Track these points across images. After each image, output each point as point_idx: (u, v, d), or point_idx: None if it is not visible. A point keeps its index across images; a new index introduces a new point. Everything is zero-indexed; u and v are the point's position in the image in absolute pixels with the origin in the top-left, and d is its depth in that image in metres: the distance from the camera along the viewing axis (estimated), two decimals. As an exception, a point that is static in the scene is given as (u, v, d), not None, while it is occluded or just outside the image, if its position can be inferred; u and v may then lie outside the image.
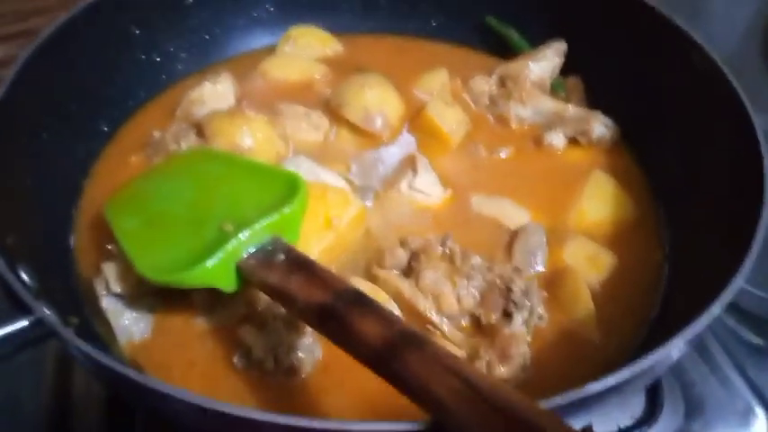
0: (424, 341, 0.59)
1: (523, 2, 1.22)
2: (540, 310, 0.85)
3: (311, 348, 0.80)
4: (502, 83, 1.16)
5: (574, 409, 0.62)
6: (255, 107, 1.08)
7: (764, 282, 0.95)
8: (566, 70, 1.19)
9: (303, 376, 0.80)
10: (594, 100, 1.17)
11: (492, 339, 0.82)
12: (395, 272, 0.87)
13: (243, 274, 0.76)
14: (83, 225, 0.96)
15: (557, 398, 0.59)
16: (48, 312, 0.66)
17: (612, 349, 0.85)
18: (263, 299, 0.82)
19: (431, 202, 1.00)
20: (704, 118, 1.00)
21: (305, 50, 1.23)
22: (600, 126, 1.09)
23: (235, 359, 0.80)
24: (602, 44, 1.15)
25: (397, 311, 0.85)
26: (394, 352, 0.59)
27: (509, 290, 0.84)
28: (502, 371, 0.80)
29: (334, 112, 1.10)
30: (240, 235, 0.75)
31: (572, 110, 1.11)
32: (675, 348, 0.67)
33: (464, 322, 0.85)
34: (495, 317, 0.83)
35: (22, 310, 0.66)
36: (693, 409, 0.99)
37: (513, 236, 0.96)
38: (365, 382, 0.66)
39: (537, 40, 1.20)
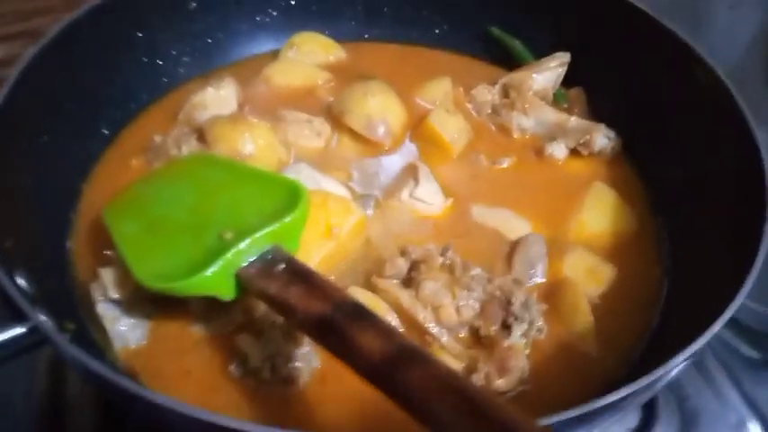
0: (425, 356, 0.59)
1: (527, 12, 1.22)
2: (540, 322, 0.85)
3: (308, 358, 0.80)
4: (505, 92, 1.16)
5: (572, 425, 0.61)
6: (258, 113, 1.08)
7: (761, 296, 0.95)
8: (568, 81, 1.19)
9: (300, 386, 0.79)
10: (596, 111, 1.17)
11: (491, 351, 0.82)
12: (394, 281, 0.87)
13: (242, 282, 0.75)
14: (81, 229, 0.96)
15: (556, 415, 0.59)
16: (44, 319, 0.66)
17: (611, 362, 0.85)
18: (261, 307, 0.82)
19: (432, 211, 1.00)
20: (706, 131, 1.00)
21: (308, 57, 1.23)
22: (602, 138, 1.09)
23: (231, 368, 0.79)
24: (604, 56, 1.15)
25: (395, 321, 0.84)
26: (393, 367, 0.58)
27: (509, 302, 0.84)
28: (500, 383, 0.79)
29: (336, 119, 1.10)
30: (240, 244, 0.75)
31: (574, 121, 1.11)
32: (676, 365, 0.67)
33: (463, 333, 0.85)
34: (494, 329, 0.83)
35: (18, 317, 0.66)
36: (688, 421, 0.99)
37: (514, 246, 0.96)
38: (363, 392, 0.65)
39: (540, 50, 1.21)
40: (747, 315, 1.06)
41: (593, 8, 1.15)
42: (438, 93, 1.17)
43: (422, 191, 1.00)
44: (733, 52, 1.22)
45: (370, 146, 1.08)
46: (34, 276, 0.77)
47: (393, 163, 1.07)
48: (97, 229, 0.93)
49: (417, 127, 1.11)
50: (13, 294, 0.67)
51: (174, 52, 1.18)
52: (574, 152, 1.10)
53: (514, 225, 0.99)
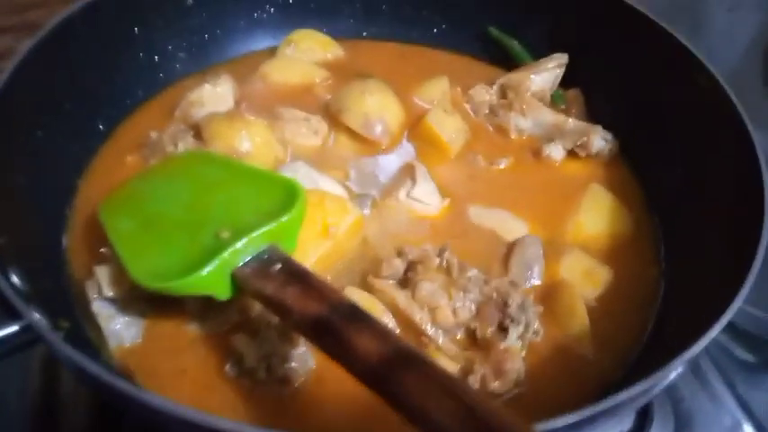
0: (421, 359, 0.59)
1: (526, 13, 1.22)
2: (536, 324, 0.85)
3: (304, 358, 0.79)
4: (503, 93, 1.16)
5: (569, 430, 0.61)
6: (255, 110, 1.07)
7: (757, 299, 0.95)
8: (566, 82, 1.19)
9: (296, 386, 0.79)
10: (594, 113, 1.17)
11: (487, 353, 0.82)
12: (391, 282, 0.86)
13: (238, 282, 0.75)
14: (76, 225, 0.95)
15: (552, 421, 0.59)
16: (38, 317, 0.65)
17: (607, 365, 0.85)
18: (257, 306, 0.82)
19: (429, 211, 1.00)
20: (704, 134, 1.00)
21: (306, 54, 1.22)
22: (599, 139, 1.09)
23: (227, 367, 0.79)
24: (603, 57, 1.15)
25: (391, 322, 0.84)
26: (390, 370, 0.58)
27: (505, 304, 0.84)
28: (496, 385, 0.79)
29: (333, 117, 1.10)
30: (237, 243, 0.74)
31: (571, 122, 1.11)
32: (673, 370, 0.67)
33: (459, 335, 0.85)
34: (490, 330, 0.83)
35: (12, 314, 0.65)
36: (683, 424, 0.99)
37: (510, 248, 0.96)
38: (358, 393, 0.65)
39: (538, 51, 1.20)
40: (743, 318, 1.06)
41: (592, 9, 1.15)
42: (436, 92, 1.16)
43: (419, 191, 1.00)
44: (731, 54, 1.23)
45: (368, 145, 1.08)
46: (29, 274, 0.77)
47: (390, 162, 1.06)
48: (93, 225, 0.92)
49: (415, 126, 1.11)
50: (7, 292, 0.66)
51: (170, 48, 1.17)
52: (571, 153, 1.09)
53: (511, 226, 0.99)
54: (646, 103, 1.10)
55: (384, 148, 1.08)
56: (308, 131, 1.08)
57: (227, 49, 1.23)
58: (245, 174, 0.88)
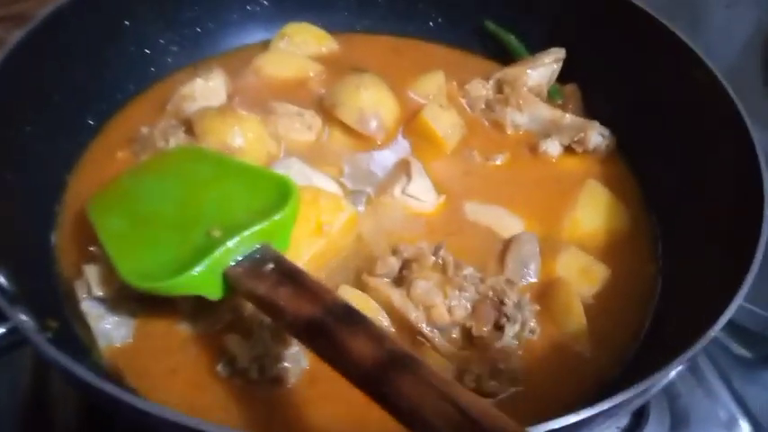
0: (417, 363, 0.58)
1: (523, 7, 1.20)
2: (532, 323, 0.84)
3: (297, 358, 0.78)
4: (499, 88, 1.15)
5: (567, 431, 0.60)
6: (247, 105, 1.06)
7: (755, 295, 0.95)
8: (563, 77, 1.18)
9: (288, 386, 0.78)
10: (591, 108, 1.16)
11: (482, 352, 0.81)
12: (386, 280, 0.85)
13: (229, 281, 0.73)
14: (66, 222, 0.94)
15: (550, 422, 0.58)
16: (25, 319, 0.64)
17: (604, 362, 0.85)
18: (249, 306, 0.80)
19: (424, 208, 0.99)
20: (702, 130, 1.00)
21: (300, 48, 1.21)
22: (596, 135, 1.08)
23: (218, 367, 0.78)
24: (600, 52, 1.14)
25: (386, 321, 0.83)
26: (384, 373, 0.57)
27: (501, 302, 0.83)
28: (492, 384, 0.79)
29: (327, 112, 1.08)
30: (228, 242, 0.73)
31: (568, 118, 1.10)
32: (672, 370, 0.66)
33: (455, 334, 0.84)
34: (486, 329, 0.82)
35: (-2, 316, 0.64)
36: (679, 420, 0.99)
37: (506, 245, 0.95)
38: (351, 394, 0.64)
39: (535, 45, 1.19)
40: (740, 315, 1.05)
41: (590, 4, 1.14)
42: (431, 87, 1.15)
43: (414, 187, 0.98)
44: (730, 51, 1.22)
45: (362, 140, 1.07)
46: (16, 272, 0.75)
47: (385, 158, 1.05)
48: (82, 222, 0.90)
49: (410, 122, 1.10)
50: (-6, 294, 0.65)
51: (162, 41, 1.15)
52: (568, 149, 1.08)
53: (507, 223, 0.98)
54: (643, 99, 1.09)
55: (379, 143, 1.07)
56: (302, 126, 1.07)
57: (220, 42, 1.22)
58: (238, 170, 0.87)
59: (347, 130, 1.07)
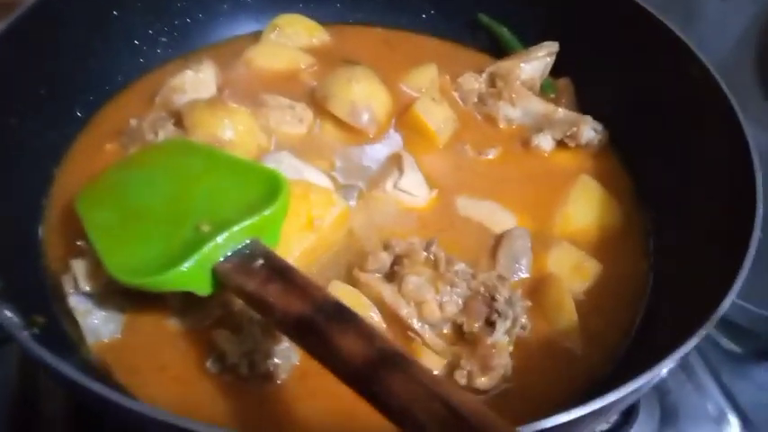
0: (407, 361, 0.57)
1: (516, 0, 1.19)
2: (524, 319, 0.83)
3: (287, 354, 0.78)
4: (492, 81, 1.14)
5: (558, 430, 0.60)
6: (238, 97, 1.05)
7: (744, 291, 0.95)
8: (556, 71, 1.17)
9: (279, 382, 0.77)
10: (584, 102, 1.15)
11: (474, 348, 0.81)
12: (377, 276, 0.85)
13: (219, 277, 0.73)
14: (53, 215, 0.93)
15: (542, 421, 0.58)
16: (9, 315, 0.63)
17: (595, 360, 0.84)
18: (239, 301, 0.79)
19: (416, 203, 0.98)
20: (695, 126, 0.99)
21: (291, 39, 1.19)
22: (589, 130, 1.07)
23: (208, 363, 0.77)
24: (594, 46, 1.13)
25: (377, 316, 0.83)
26: (374, 371, 0.57)
27: (493, 298, 0.82)
28: (482, 381, 0.78)
29: (319, 104, 1.07)
30: (218, 237, 0.72)
31: (561, 112, 1.10)
32: (664, 368, 0.66)
33: (446, 330, 0.83)
34: (477, 325, 0.82)
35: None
36: (669, 415, 0.99)
37: (498, 240, 0.94)
38: (342, 389, 0.64)
39: (528, 38, 1.19)
40: (730, 310, 1.06)
41: (584, -3, 1.13)
42: (424, 80, 1.14)
43: (406, 181, 0.98)
44: (724, 45, 1.21)
45: (354, 134, 1.06)
46: (2, 267, 0.75)
47: (377, 152, 1.04)
48: (70, 215, 0.89)
49: (402, 115, 1.09)
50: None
51: (151, 32, 1.14)
52: (560, 144, 1.08)
53: (499, 218, 0.98)
54: (636, 94, 1.09)
55: (371, 137, 1.06)
56: (293, 119, 1.06)
57: (210, 33, 1.20)
58: (228, 164, 0.86)
59: (339, 123, 1.06)
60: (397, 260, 0.85)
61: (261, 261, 0.72)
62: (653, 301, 0.91)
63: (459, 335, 0.83)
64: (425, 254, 0.85)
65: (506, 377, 0.79)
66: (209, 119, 0.96)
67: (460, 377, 0.78)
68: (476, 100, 1.14)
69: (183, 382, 0.77)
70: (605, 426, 0.94)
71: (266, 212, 0.76)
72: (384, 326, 0.83)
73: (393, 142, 1.06)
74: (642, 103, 1.08)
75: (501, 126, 1.11)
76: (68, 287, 0.79)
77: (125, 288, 0.76)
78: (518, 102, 1.11)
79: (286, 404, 0.76)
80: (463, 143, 1.07)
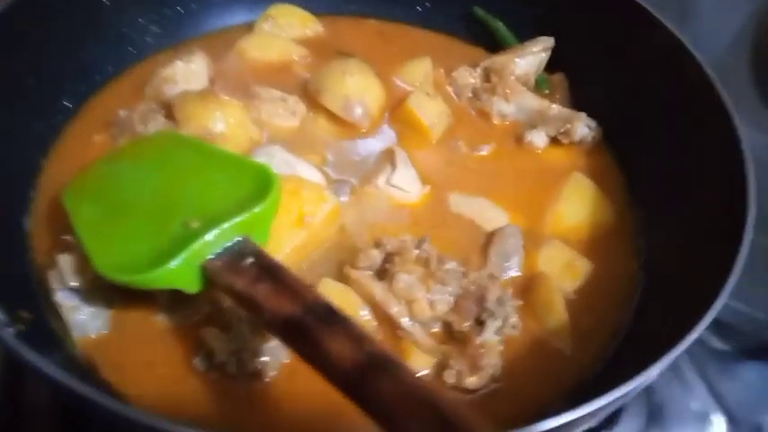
0: (396, 365, 0.57)
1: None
2: (514, 319, 0.83)
3: (276, 352, 0.77)
4: (486, 76, 1.13)
5: (546, 434, 0.60)
6: (230, 89, 1.04)
7: (739, 292, 0.95)
8: (551, 67, 1.16)
9: (267, 380, 0.77)
10: (578, 98, 1.14)
11: (463, 347, 0.80)
12: (368, 273, 0.84)
13: (207, 275, 0.72)
14: (40, 207, 0.91)
15: (531, 426, 0.57)
16: (-8, 312, 0.62)
17: (585, 360, 0.84)
18: (228, 298, 0.79)
19: (408, 199, 0.97)
20: (688, 125, 0.99)
21: (284, 30, 1.18)
22: (582, 127, 1.07)
23: (195, 361, 0.77)
24: (589, 42, 1.13)
25: (368, 314, 0.82)
26: (363, 375, 0.56)
27: (483, 297, 0.82)
28: (472, 380, 0.78)
29: (312, 97, 1.06)
30: (207, 235, 0.71)
31: (555, 108, 1.09)
32: (654, 372, 0.66)
33: (436, 328, 0.83)
34: (467, 324, 0.81)
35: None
36: (655, 413, 0.99)
37: (490, 238, 0.94)
38: (330, 389, 0.63)
39: (523, 32, 1.18)
40: (722, 310, 1.07)
41: (580, -8, 1.12)
42: (418, 74, 1.13)
43: (399, 177, 0.97)
44: (720, 42, 1.21)
45: (347, 128, 1.05)
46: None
47: (370, 147, 1.03)
48: (57, 208, 0.88)
49: (396, 110, 1.08)
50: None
51: (141, 21, 1.12)
52: (554, 141, 1.07)
53: (491, 215, 0.97)
54: (631, 90, 1.08)
55: (364, 131, 1.05)
56: (285, 112, 1.04)
57: (202, 22, 1.18)
58: (218, 159, 0.85)
59: (332, 116, 1.05)
60: (388, 258, 0.84)
61: (251, 259, 0.71)
62: (643, 301, 0.91)
63: (449, 334, 0.82)
64: (417, 252, 0.84)
65: (495, 377, 0.79)
66: (200, 111, 0.95)
67: (450, 377, 0.78)
68: (470, 95, 1.13)
69: (170, 379, 0.76)
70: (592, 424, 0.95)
71: (257, 209, 0.75)
72: (375, 324, 0.82)
73: (386, 137, 1.05)
74: (636, 99, 1.07)
75: (495, 122, 1.10)
76: (55, 282, 0.78)
77: (113, 283, 0.76)
78: (512, 97, 1.10)
79: (274, 402, 0.76)
80: (456, 139, 1.07)
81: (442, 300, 0.82)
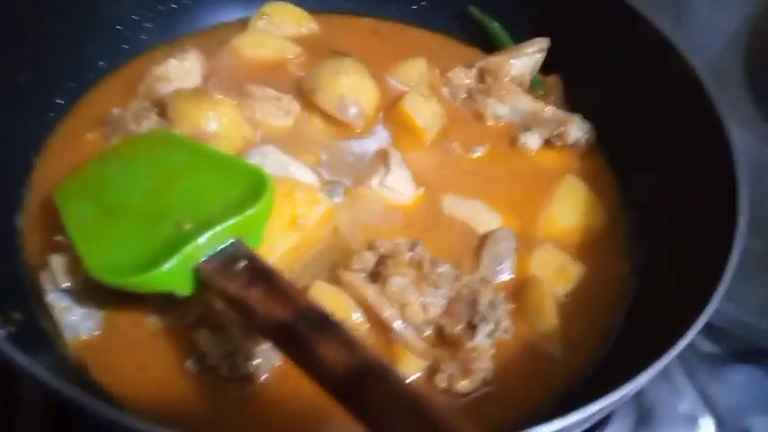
0: (387, 372, 0.57)
1: (508, -6, 1.18)
2: (506, 322, 0.83)
3: (268, 354, 0.77)
4: (481, 77, 1.13)
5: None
6: (223, 87, 1.03)
7: (730, 295, 0.95)
8: (546, 68, 1.16)
9: (259, 383, 0.77)
10: (573, 100, 1.14)
11: (455, 351, 0.81)
12: (361, 275, 0.84)
13: (200, 278, 0.72)
14: (32, 206, 0.91)
15: (521, 433, 0.58)
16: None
17: (576, 365, 0.84)
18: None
19: (402, 200, 0.97)
20: (681, 128, 0.99)
21: (279, 28, 1.17)
22: (576, 130, 1.06)
23: (188, 363, 0.77)
24: (584, 44, 1.12)
25: (360, 316, 0.82)
26: (354, 381, 0.56)
27: (475, 301, 0.82)
28: (463, 384, 0.78)
29: (306, 97, 1.06)
30: (200, 238, 0.71)
31: (549, 111, 1.09)
32: (645, 379, 0.66)
33: (428, 332, 0.83)
34: (459, 328, 0.82)
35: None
36: (644, 416, 1.00)
37: (483, 240, 0.94)
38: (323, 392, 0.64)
39: (519, 33, 1.17)
40: (712, 313, 1.07)
41: (575, -5, 1.12)
42: (413, 74, 1.13)
43: (393, 179, 0.97)
44: (714, 45, 1.20)
45: (341, 128, 1.04)
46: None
47: (364, 147, 1.03)
48: (49, 206, 0.88)
49: (390, 110, 1.07)
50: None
51: (135, 17, 1.11)
52: (547, 143, 1.07)
53: (485, 218, 0.97)
54: (625, 93, 1.08)
55: (358, 131, 1.05)
56: (279, 111, 1.04)
57: (197, 19, 1.18)
58: (212, 159, 0.84)
59: (326, 116, 1.04)
60: (381, 260, 0.84)
61: (244, 263, 0.70)
62: (634, 306, 0.91)
63: (441, 337, 0.83)
64: (410, 254, 0.84)
65: (487, 381, 0.79)
66: (193, 110, 0.95)
67: (441, 380, 0.78)
68: (465, 95, 1.12)
69: (162, 381, 0.76)
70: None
71: (250, 212, 0.74)
72: (367, 326, 0.82)
73: (380, 137, 1.05)
74: (630, 102, 1.07)
75: (489, 123, 1.10)
76: (47, 283, 0.77)
77: (104, 285, 0.75)
78: (507, 98, 1.10)
79: (266, 405, 0.76)
80: (451, 140, 1.06)
81: (435, 303, 0.83)
